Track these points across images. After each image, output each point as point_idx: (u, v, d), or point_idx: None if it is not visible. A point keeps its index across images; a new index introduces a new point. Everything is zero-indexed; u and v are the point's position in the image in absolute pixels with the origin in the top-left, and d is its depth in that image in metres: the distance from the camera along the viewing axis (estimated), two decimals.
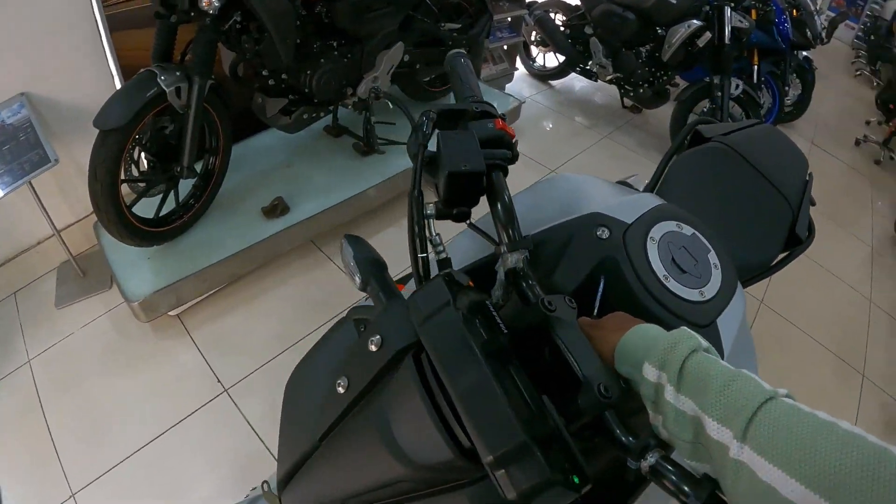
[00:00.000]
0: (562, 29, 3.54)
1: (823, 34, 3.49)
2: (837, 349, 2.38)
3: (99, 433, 1.67)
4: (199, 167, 1.91)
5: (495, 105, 0.73)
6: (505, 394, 0.45)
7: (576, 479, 0.44)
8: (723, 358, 0.64)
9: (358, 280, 0.64)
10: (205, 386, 1.81)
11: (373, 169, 2.42)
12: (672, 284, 0.65)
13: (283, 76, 1.97)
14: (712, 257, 0.70)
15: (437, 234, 0.63)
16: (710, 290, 0.67)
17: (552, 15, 3.63)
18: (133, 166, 1.72)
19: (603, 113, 3.79)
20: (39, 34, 1.74)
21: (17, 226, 2.05)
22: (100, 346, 1.91)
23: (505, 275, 0.63)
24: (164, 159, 1.77)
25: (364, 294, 0.65)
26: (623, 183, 1.16)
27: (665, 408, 0.46)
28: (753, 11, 3.05)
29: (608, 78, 3.40)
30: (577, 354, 0.50)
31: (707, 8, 2.91)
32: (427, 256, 0.65)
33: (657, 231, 0.69)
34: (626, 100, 3.64)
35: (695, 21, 2.92)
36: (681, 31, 2.96)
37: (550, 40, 3.52)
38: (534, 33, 3.75)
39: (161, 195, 1.88)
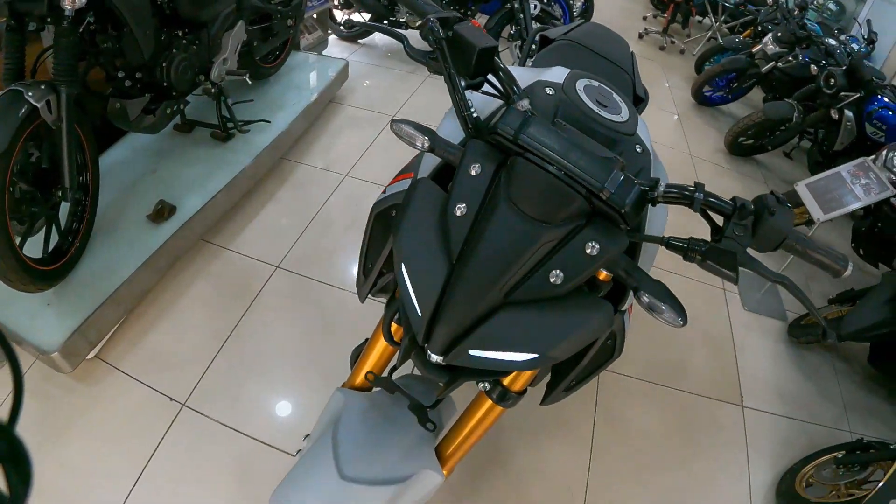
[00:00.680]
0: None
1: None
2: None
3: None
4: None
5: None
6: (588, 145, 0.78)
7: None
8: (649, 154, 0.92)
9: (426, 142, 0.81)
10: (160, 409, 1.70)
11: (239, 150, 2.44)
12: (604, 112, 0.90)
13: (139, 75, 1.89)
14: (616, 97, 0.96)
15: (470, 100, 0.86)
16: (625, 114, 0.92)
17: None
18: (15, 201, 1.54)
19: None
20: None
21: None
22: (28, 421, 1.61)
23: None
24: (42, 186, 1.62)
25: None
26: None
27: None
28: None
29: (418, 24, 3.73)
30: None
31: None
32: (472, 112, 0.85)
33: (580, 85, 0.94)
34: None
35: None
36: None
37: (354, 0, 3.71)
38: None
39: (43, 229, 1.70)
